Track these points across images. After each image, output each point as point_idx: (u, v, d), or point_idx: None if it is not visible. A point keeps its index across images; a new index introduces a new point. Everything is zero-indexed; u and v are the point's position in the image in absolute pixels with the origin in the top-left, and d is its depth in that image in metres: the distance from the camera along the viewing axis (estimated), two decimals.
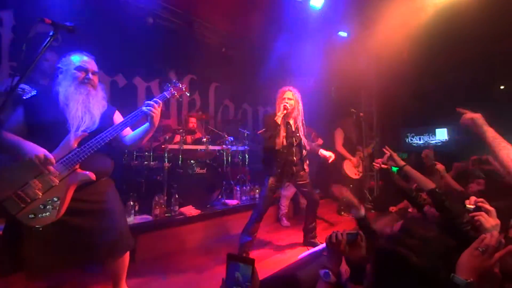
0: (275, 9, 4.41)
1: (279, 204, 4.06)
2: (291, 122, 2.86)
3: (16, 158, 1.44)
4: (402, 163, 1.63)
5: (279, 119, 2.65)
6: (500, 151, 1.18)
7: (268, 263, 2.66)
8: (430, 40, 4.58)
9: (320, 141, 4.74)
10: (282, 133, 2.75)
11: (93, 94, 1.65)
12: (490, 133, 1.28)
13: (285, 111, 2.70)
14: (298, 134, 2.85)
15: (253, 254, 2.80)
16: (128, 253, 1.77)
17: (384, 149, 1.71)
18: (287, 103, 2.74)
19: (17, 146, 1.45)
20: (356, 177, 4.70)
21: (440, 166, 3.25)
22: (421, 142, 6.48)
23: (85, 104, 1.59)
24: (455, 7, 4.01)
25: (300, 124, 2.87)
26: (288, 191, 4.04)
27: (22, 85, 1.95)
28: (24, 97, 1.64)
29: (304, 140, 2.88)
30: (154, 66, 4.82)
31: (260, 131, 2.92)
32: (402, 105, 5.81)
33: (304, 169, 2.91)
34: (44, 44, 1.27)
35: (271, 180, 2.76)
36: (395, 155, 1.65)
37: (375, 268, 0.88)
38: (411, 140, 6.66)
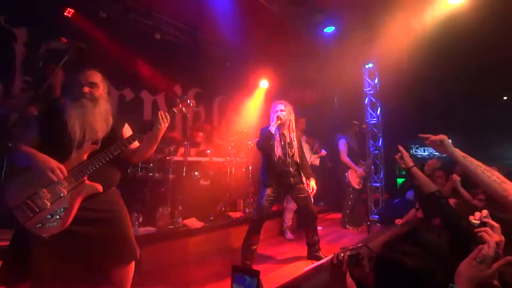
0: (277, 26, 4.55)
1: (283, 217, 4.03)
2: (286, 133, 2.90)
3: (29, 169, 1.49)
4: (411, 164, 1.59)
5: (273, 129, 2.70)
6: (475, 168, 1.21)
7: (272, 277, 2.63)
8: (432, 50, 4.59)
9: (323, 153, 4.74)
10: (277, 144, 2.79)
11: (90, 107, 1.61)
12: (460, 153, 1.30)
13: (278, 121, 2.75)
14: (293, 145, 2.88)
15: (256, 267, 2.77)
16: (133, 263, 1.77)
17: (399, 147, 1.66)
18: (280, 114, 2.80)
19: (31, 157, 1.49)
20: (357, 187, 4.68)
21: (455, 177, 3.25)
22: (426, 153, 6.45)
23: (82, 118, 1.58)
24: (457, 17, 3.99)
25: (294, 136, 2.91)
26: (292, 204, 4.02)
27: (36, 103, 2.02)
28: (37, 112, 1.70)
29: (296, 150, 2.89)
30: (161, 80, 4.95)
31: (254, 141, 2.95)
32: (406, 116, 5.82)
33: (302, 182, 2.92)
34: (60, 62, 1.34)
35: (267, 191, 2.77)
36: (406, 155, 1.61)
37: (376, 275, 0.89)
38: (416, 151, 6.63)
